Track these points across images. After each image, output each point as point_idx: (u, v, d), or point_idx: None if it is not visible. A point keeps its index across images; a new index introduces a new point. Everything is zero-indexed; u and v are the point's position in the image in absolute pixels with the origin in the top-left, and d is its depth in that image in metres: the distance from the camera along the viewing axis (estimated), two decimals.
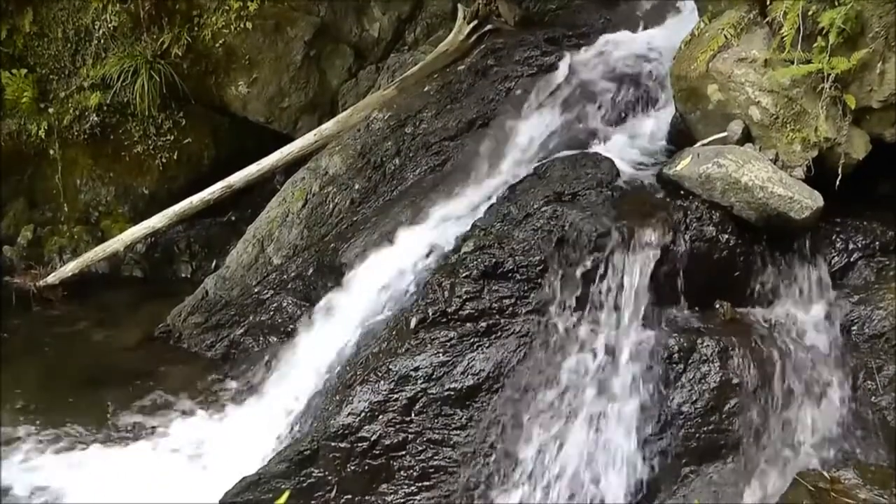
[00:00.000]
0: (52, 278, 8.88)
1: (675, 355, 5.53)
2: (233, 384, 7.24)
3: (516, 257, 5.83)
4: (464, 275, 5.86)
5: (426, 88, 8.33)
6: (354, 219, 7.78)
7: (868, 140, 5.73)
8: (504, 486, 5.41)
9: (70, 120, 9.33)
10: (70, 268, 8.95)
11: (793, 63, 5.69)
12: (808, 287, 5.83)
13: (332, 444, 5.59)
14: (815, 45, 5.60)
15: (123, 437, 6.70)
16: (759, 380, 5.45)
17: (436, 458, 5.53)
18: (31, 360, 7.78)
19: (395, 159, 7.93)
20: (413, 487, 5.52)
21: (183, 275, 9.48)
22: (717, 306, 5.77)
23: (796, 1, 5.65)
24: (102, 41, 9.23)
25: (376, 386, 5.68)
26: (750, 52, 5.93)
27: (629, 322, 5.67)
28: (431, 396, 5.62)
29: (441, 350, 5.71)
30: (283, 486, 5.56)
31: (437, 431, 5.56)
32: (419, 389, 5.64)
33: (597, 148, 6.79)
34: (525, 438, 5.48)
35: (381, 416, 5.61)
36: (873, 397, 5.46)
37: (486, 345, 5.70)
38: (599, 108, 7.21)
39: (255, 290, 7.89)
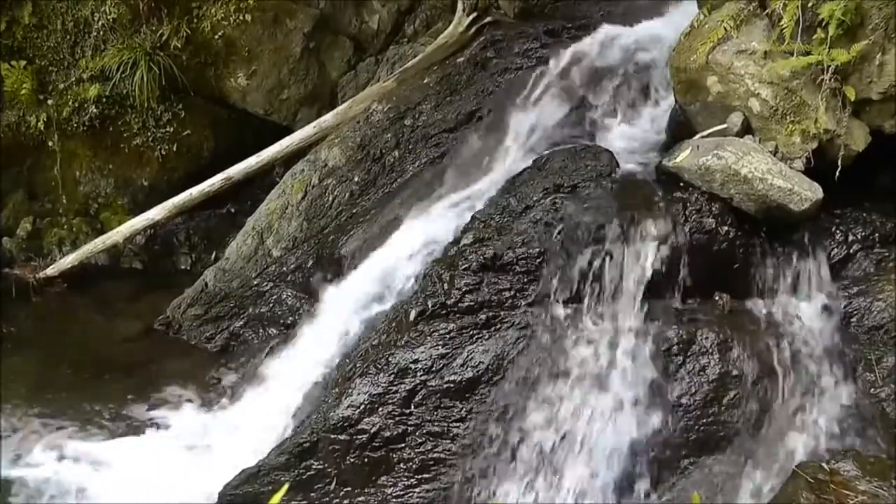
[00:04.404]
0: (51, 270, 8.88)
1: (675, 347, 5.54)
2: (232, 376, 7.25)
3: (516, 249, 5.83)
4: (463, 267, 5.86)
5: (426, 80, 8.32)
6: (354, 211, 7.79)
7: (868, 132, 5.73)
8: (503, 478, 5.42)
9: (69, 112, 9.31)
10: (69, 260, 8.95)
11: (792, 55, 5.69)
12: (807, 279, 5.83)
13: (332, 436, 5.60)
14: (814, 36, 5.60)
15: (123, 429, 6.70)
16: (759, 372, 5.47)
17: (435, 450, 5.53)
18: (31, 352, 7.78)
19: (395, 151, 7.92)
20: (413, 480, 5.53)
21: (182, 267, 9.47)
22: (717, 298, 5.78)
23: None
24: (101, 33, 9.21)
25: (376, 378, 5.69)
26: (749, 44, 5.92)
27: (628, 314, 5.67)
28: (431, 389, 5.62)
29: (440, 342, 5.71)
30: (282, 479, 5.58)
31: (436, 424, 5.57)
32: (419, 382, 5.65)
33: (596, 140, 6.79)
34: (524, 430, 5.49)
35: (380, 409, 5.61)
36: (872, 389, 5.47)
37: (486, 337, 5.70)
38: (599, 99, 7.22)
39: (255, 282, 7.90)
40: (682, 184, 5.86)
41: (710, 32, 6.09)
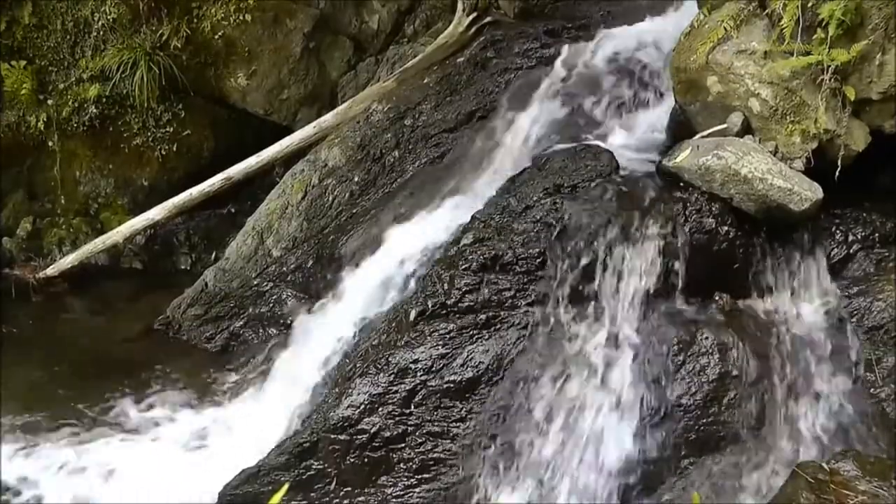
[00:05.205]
0: (51, 270, 8.88)
1: (675, 347, 5.53)
2: (232, 376, 7.25)
3: (516, 249, 5.83)
4: (463, 267, 5.86)
5: (426, 80, 8.32)
6: (354, 211, 7.79)
7: (868, 132, 5.72)
8: (503, 479, 5.42)
9: (69, 112, 9.31)
10: (69, 260, 8.95)
11: (792, 55, 5.68)
12: (807, 279, 5.83)
13: (332, 436, 5.60)
14: (814, 36, 5.59)
15: (123, 429, 6.70)
16: (758, 372, 5.46)
17: (435, 450, 5.53)
18: (31, 352, 7.78)
19: (395, 151, 7.92)
20: (412, 480, 5.53)
21: (182, 267, 9.47)
22: (717, 298, 5.77)
23: None
24: (101, 33, 9.22)
25: (376, 378, 5.69)
26: (749, 44, 5.92)
27: (628, 314, 5.67)
28: (431, 389, 5.62)
29: (440, 342, 5.71)
30: (282, 479, 5.58)
31: (436, 424, 5.57)
32: (419, 382, 5.65)
33: (596, 140, 6.79)
34: (524, 431, 5.49)
35: (380, 409, 5.62)
36: (872, 389, 5.46)
37: (486, 337, 5.70)
38: (599, 100, 7.21)
39: (255, 282, 7.90)
40: (682, 184, 5.86)
41: (710, 32, 6.09)
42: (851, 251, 5.86)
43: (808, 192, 5.58)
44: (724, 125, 5.99)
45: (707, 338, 5.53)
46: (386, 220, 7.26)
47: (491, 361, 5.64)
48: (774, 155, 5.77)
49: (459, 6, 8.55)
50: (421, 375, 5.66)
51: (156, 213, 8.85)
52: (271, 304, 7.71)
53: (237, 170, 8.74)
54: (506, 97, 7.60)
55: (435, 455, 5.53)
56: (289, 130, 9.19)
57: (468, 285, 5.81)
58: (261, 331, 7.61)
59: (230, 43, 9.32)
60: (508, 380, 5.60)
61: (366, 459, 5.58)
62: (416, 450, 5.55)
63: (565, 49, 7.69)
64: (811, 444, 5.32)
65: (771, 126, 5.85)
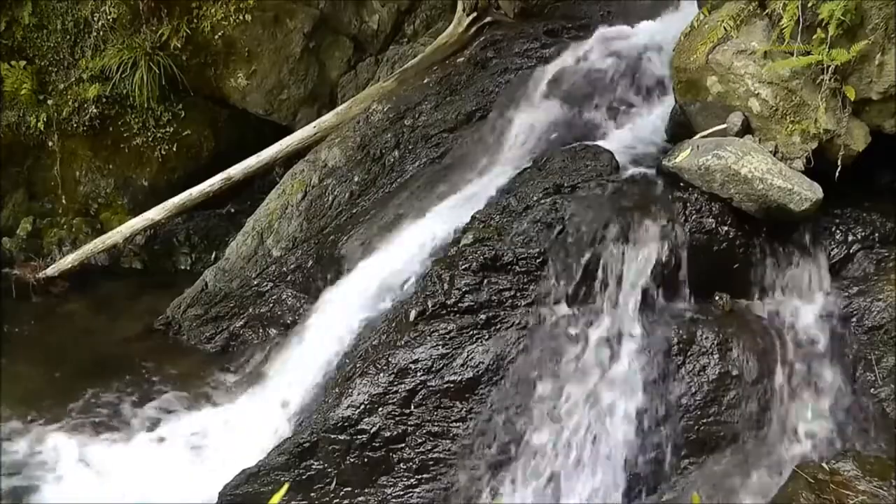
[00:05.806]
0: (51, 270, 8.88)
1: (675, 347, 5.53)
2: (232, 376, 7.24)
3: (516, 249, 5.83)
4: (463, 267, 5.85)
5: (425, 80, 8.33)
6: (354, 211, 7.79)
7: (867, 132, 5.71)
8: (503, 478, 5.42)
9: (69, 112, 9.32)
10: (69, 260, 8.95)
11: (792, 55, 5.67)
12: (807, 279, 5.82)
13: (332, 436, 5.60)
14: (814, 36, 5.59)
15: (123, 429, 6.70)
16: (758, 372, 5.47)
17: (435, 450, 5.53)
18: (31, 352, 7.77)
19: (395, 151, 7.93)
20: (412, 480, 5.52)
21: (182, 267, 9.47)
22: (717, 298, 5.77)
23: None
24: (101, 33, 9.22)
25: (376, 378, 5.69)
26: (749, 44, 5.91)
27: (628, 314, 5.67)
28: (431, 389, 5.62)
29: (440, 342, 5.71)
30: (282, 479, 5.58)
31: (436, 424, 5.57)
32: (418, 382, 5.64)
33: (596, 140, 6.79)
34: (525, 430, 5.48)
35: (380, 409, 5.61)
36: (872, 389, 5.46)
37: (486, 337, 5.70)
38: (599, 99, 7.21)
39: (255, 282, 7.90)
40: (682, 184, 5.86)
41: (710, 32, 6.09)
42: (851, 251, 5.86)
43: (808, 192, 5.58)
44: (724, 125, 5.99)
45: (707, 338, 5.54)
46: (385, 220, 7.26)
47: (491, 361, 5.64)
48: (774, 155, 5.77)
49: (459, 6, 8.55)
50: (421, 375, 5.65)
51: (156, 213, 8.86)
52: (271, 304, 7.70)
53: (237, 170, 8.74)
54: (506, 97, 7.60)
55: (435, 455, 5.53)
56: (289, 130, 9.20)
57: (468, 285, 5.81)
58: (261, 331, 7.61)
59: (230, 43, 9.33)
60: (508, 380, 5.60)
61: (366, 459, 5.57)
62: (416, 450, 5.55)
63: (565, 49, 7.69)
64: (811, 444, 5.32)
65: (771, 126, 5.85)
